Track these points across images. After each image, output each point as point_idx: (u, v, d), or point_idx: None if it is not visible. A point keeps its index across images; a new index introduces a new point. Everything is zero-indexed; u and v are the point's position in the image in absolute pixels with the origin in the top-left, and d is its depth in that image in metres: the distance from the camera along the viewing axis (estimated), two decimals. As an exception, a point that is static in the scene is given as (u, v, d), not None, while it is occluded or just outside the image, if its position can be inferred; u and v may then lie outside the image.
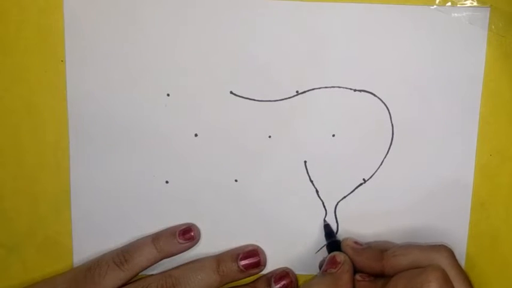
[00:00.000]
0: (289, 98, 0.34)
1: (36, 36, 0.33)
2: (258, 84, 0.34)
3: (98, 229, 0.35)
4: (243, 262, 0.34)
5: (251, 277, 0.35)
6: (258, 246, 0.35)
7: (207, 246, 0.35)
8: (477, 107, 0.35)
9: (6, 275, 0.35)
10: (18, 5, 0.33)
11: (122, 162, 0.35)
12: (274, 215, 0.35)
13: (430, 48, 0.34)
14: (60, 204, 0.35)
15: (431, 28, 0.34)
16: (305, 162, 0.35)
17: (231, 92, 0.34)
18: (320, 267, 0.35)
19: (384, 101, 0.35)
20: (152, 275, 0.34)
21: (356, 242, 0.34)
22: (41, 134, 0.34)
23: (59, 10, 0.33)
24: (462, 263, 0.36)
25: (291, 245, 0.36)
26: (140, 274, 0.34)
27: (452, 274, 0.30)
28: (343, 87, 0.34)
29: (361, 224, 0.36)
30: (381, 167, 0.35)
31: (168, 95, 0.34)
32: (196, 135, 0.35)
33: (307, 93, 0.34)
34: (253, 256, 0.35)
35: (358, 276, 0.32)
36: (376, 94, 0.34)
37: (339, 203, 0.36)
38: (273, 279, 0.34)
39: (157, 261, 0.34)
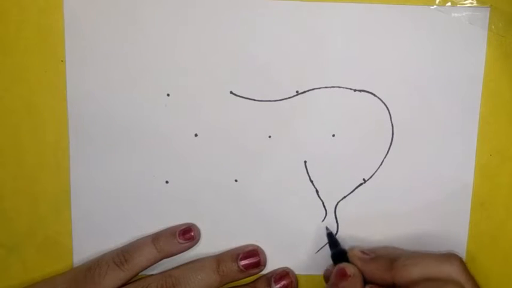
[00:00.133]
0: (289, 98, 0.34)
1: (36, 36, 0.33)
2: (258, 84, 0.34)
3: (98, 229, 0.35)
4: (243, 262, 0.34)
5: (251, 277, 0.35)
6: (258, 246, 0.35)
7: (207, 246, 0.35)
8: (477, 107, 0.35)
9: (6, 275, 0.35)
10: (18, 5, 0.33)
11: (122, 162, 0.35)
12: (274, 215, 0.35)
13: (430, 48, 0.34)
14: (60, 204, 0.35)
15: (431, 28, 0.34)
16: (305, 162, 0.35)
17: (231, 92, 0.34)
18: (325, 278, 0.35)
19: (384, 101, 0.35)
20: (152, 275, 0.34)
21: (363, 252, 0.33)
22: (41, 134, 0.34)
23: (59, 10, 0.33)
24: (462, 263, 0.36)
25: (291, 245, 0.36)
26: (140, 274, 0.34)
27: (469, 287, 0.30)
28: (343, 87, 0.34)
29: (361, 224, 0.36)
30: (380, 167, 0.35)
31: (168, 95, 0.34)
32: (196, 135, 0.35)
33: (307, 93, 0.34)
34: (253, 256, 0.35)
35: None
36: (376, 94, 0.34)
37: (339, 203, 0.36)
38: (273, 279, 0.34)
39: (157, 261, 0.34)
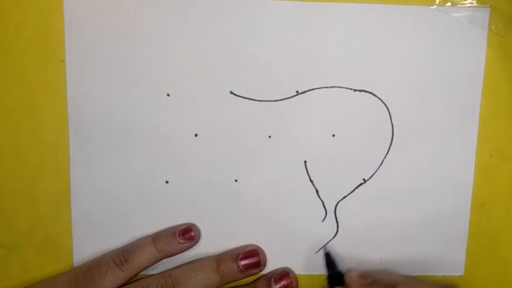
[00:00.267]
0: (289, 98, 0.34)
1: (36, 36, 0.33)
2: (258, 84, 0.34)
3: (98, 229, 0.35)
4: (243, 262, 0.34)
5: (251, 277, 0.35)
6: (258, 246, 0.35)
7: (207, 246, 0.35)
8: (477, 107, 0.35)
9: (6, 275, 0.35)
10: (18, 5, 0.33)
11: (122, 162, 0.35)
12: (274, 215, 0.35)
13: (430, 48, 0.34)
14: (60, 204, 0.35)
15: (431, 28, 0.34)
16: (305, 162, 0.35)
17: (231, 92, 0.34)
18: None
19: (384, 101, 0.35)
20: (152, 275, 0.34)
21: (361, 276, 0.33)
22: (41, 134, 0.34)
23: (59, 10, 0.33)
24: (462, 263, 0.36)
25: (291, 245, 0.36)
26: (140, 274, 0.34)
27: None
28: (343, 87, 0.34)
29: (361, 224, 0.36)
30: (381, 167, 0.35)
31: (168, 95, 0.34)
32: (196, 135, 0.35)
33: (307, 93, 0.34)
34: (253, 256, 0.35)
35: None
36: (376, 94, 0.34)
37: (339, 203, 0.36)
38: (273, 279, 0.34)
39: (157, 261, 0.34)
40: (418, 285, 0.31)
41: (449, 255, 0.36)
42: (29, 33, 0.33)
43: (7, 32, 0.33)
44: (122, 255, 0.33)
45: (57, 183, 0.35)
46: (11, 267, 0.35)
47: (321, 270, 0.35)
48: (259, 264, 0.35)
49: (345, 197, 0.35)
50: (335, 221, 0.36)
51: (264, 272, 0.36)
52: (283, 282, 0.34)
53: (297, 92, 0.34)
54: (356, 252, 0.36)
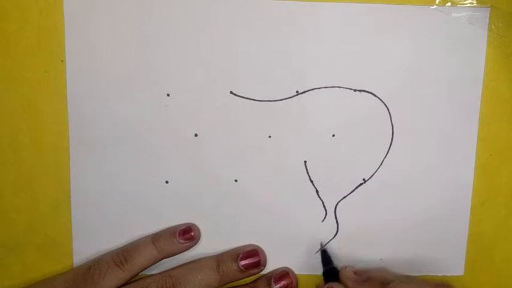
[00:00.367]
0: (289, 98, 0.34)
1: (36, 36, 0.33)
2: (258, 84, 0.34)
3: (97, 229, 0.35)
4: (243, 262, 0.34)
5: (251, 277, 0.35)
6: (258, 246, 0.35)
7: (207, 246, 0.35)
8: (477, 107, 0.35)
9: (6, 275, 0.35)
10: (18, 5, 0.33)
11: (122, 162, 0.35)
12: (274, 215, 0.35)
13: (430, 48, 0.34)
14: (60, 204, 0.35)
15: (431, 28, 0.34)
16: (305, 162, 0.35)
17: (231, 92, 0.34)
18: None
19: (384, 101, 0.35)
20: (152, 275, 0.34)
21: (356, 273, 0.33)
22: (41, 134, 0.34)
23: (59, 10, 0.33)
24: (462, 263, 0.36)
25: (291, 245, 0.36)
26: (140, 274, 0.34)
27: None
28: (343, 87, 0.34)
29: (361, 224, 0.36)
30: (380, 167, 0.35)
31: (168, 95, 0.34)
32: (196, 135, 0.35)
33: (307, 93, 0.34)
34: (253, 256, 0.35)
35: None
36: (376, 94, 0.34)
37: (339, 203, 0.36)
38: (272, 279, 0.34)
39: (157, 261, 0.34)
40: (412, 283, 0.31)
41: (449, 255, 0.36)
42: (29, 33, 0.33)
43: (7, 32, 0.33)
44: (122, 255, 0.33)
45: (57, 183, 0.35)
46: (11, 267, 0.35)
47: (321, 270, 0.35)
48: (259, 264, 0.35)
49: (345, 197, 0.35)
50: (335, 221, 0.36)
51: (264, 272, 0.36)
52: (283, 282, 0.34)
53: (297, 92, 0.34)
54: (356, 252, 0.36)
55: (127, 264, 0.33)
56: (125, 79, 0.34)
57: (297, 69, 0.34)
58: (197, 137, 0.35)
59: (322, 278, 0.35)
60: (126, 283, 0.33)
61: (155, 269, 0.35)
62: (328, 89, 0.34)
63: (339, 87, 0.34)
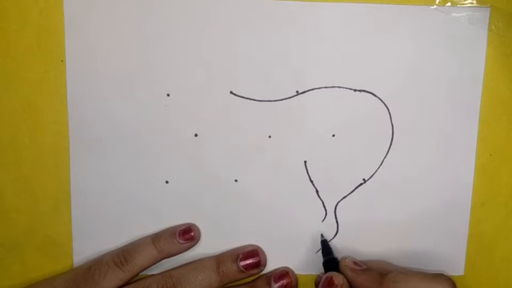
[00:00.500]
0: (289, 98, 0.34)
1: (36, 36, 0.33)
2: (258, 84, 0.34)
3: (98, 229, 0.35)
4: (243, 262, 0.34)
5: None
6: (258, 247, 0.35)
7: (207, 246, 0.35)
8: (477, 107, 0.35)
9: (6, 275, 0.35)
10: (18, 5, 0.33)
11: (122, 162, 0.35)
12: (274, 215, 0.35)
13: (430, 48, 0.34)
14: (60, 204, 0.35)
15: (431, 28, 0.34)
16: (305, 162, 0.35)
17: (231, 92, 0.34)
18: (316, 285, 0.35)
19: (384, 101, 0.35)
20: (152, 275, 0.34)
21: (355, 263, 0.34)
22: (41, 134, 0.34)
23: (59, 10, 0.33)
24: (462, 263, 0.36)
25: (291, 245, 0.36)
26: (140, 274, 0.34)
27: None
28: (343, 87, 0.34)
29: (361, 224, 0.36)
30: (381, 167, 0.35)
31: (168, 95, 0.34)
32: (196, 135, 0.35)
33: (307, 93, 0.34)
34: (253, 256, 0.35)
35: None
36: (376, 94, 0.34)
37: (339, 203, 0.36)
38: (272, 278, 0.34)
39: (158, 262, 0.34)
40: (409, 274, 0.31)
41: (449, 255, 0.36)
42: (29, 33, 0.33)
43: (7, 32, 0.33)
44: (122, 255, 0.33)
45: (57, 183, 0.35)
46: (11, 267, 0.35)
47: (321, 270, 0.35)
48: (259, 264, 0.35)
49: (345, 197, 0.35)
50: (335, 221, 0.36)
51: (264, 272, 0.35)
52: (282, 282, 0.34)
53: (297, 92, 0.34)
54: (356, 252, 0.36)
55: (127, 264, 0.33)
56: (125, 79, 0.34)
57: (297, 69, 0.34)
58: (197, 137, 0.35)
59: (323, 267, 0.35)
60: (126, 283, 0.33)
61: (155, 269, 0.35)
62: (328, 89, 0.34)
63: (339, 87, 0.34)
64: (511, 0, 0.33)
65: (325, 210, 0.36)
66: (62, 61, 0.33)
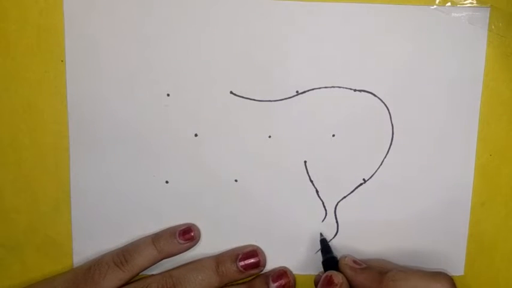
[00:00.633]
0: (289, 98, 0.34)
1: (36, 36, 0.33)
2: (258, 84, 0.34)
3: (98, 229, 0.35)
4: (243, 263, 0.34)
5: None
6: (257, 247, 0.35)
7: (207, 246, 0.35)
8: (477, 107, 0.35)
9: (6, 275, 0.35)
10: (18, 5, 0.33)
11: (122, 162, 0.35)
12: (274, 215, 0.35)
13: (430, 48, 0.34)
14: (60, 204, 0.35)
15: (431, 28, 0.34)
16: (305, 162, 0.35)
17: (231, 92, 0.34)
18: (315, 283, 0.35)
19: (384, 101, 0.35)
20: (152, 275, 0.34)
21: (355, 261, 0.33)
22: (41, 134, 0.34)
23: (59, 10, 0.33)
24: (462, 263, 0.36)
25: (291, 245, 0.36)
26: (140, 274, 0.34)
27: None
28: (343, 87, 0.34)
29: (361, 224, 0.36)
30: (381, 167, 0.35)
31: (168, 95, 0.34)
32: (196, 135, 0.35)
33: (307, 93, 0.34)
34: (253, 257, 0.35)
35: None
36: (376, 94, 0.34)
37: (339, 203, 0.36)
38: (270, 278, 0.34)
39: (158, 262, 0.34)
40: (409, 273, 0.31)
41: (449, 255, 0.36)
42: (29, 33, 0.33)
43: (7, 32, 0.33)
44: (122, 255, 0.33)
45: (57, 183, 0.35)
46: (11, 267, 0.35)
47: (321, 269, 0.35)
48: (259, 264, 0.35)
49: (345, 197, 0.35)
50: (335, 221, 0.36)
51: (264, 271, 0.35)
52: (280, 282, 0.34)
53: (297, 92, 0.34)
54: (356, 252, 0.36)
55: (127, 264, 0.33)
56: (125, 79, 0.34)
57: (297, 69, 0.34)
58: (197, 137, 0.35)
59: (322, 266, 0.35)
60: (127, 283, 0.33)
61: (155, 269, 0.35)
62: (328, 89, 0.34)
63: (339, 87, 0.34)
64: (511, 0, 0.33)
65: (325, 210, 0.36)
66: (62, 61, 0.33)
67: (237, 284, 0.35)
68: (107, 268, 0.33)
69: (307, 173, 0.35)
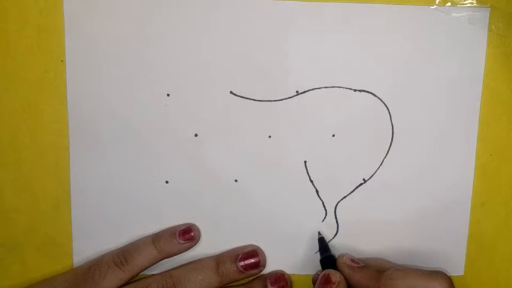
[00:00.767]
0: (289, 98, 0.34)
1: (36, 36, 0.33)
2: (258, 84, 0.34)
3: (98, 229, 0.35)
4: (243, 263, 0.34)
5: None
6: (257, 247, 0.35)
7: (207, 246, 0.35)
8: (477, 107, 0.35)
9: (6, 275, 0.35)
10: (18, 5, 0.33)
11: (122, 162, 0.35)
12: (274, 215, 0.35)
13: (430, 48, 0.34)
14: (60, 203, 0.35)
15: (431, 28, 0.34)
16: (305, 162, 0.35)
17: (231, 92, 0.34)
18: (313, 282, 0.35)
19: (384, 101, 0.35)
20: (153, 275, 0.34)
21: (353, 260, 0.33)
22: (41, 134, 0.34)
23: (59, 10, 0.33)
24: (462, 263, 0.36)
25: (291, 245, 0.36)
26: (141, 274, 0.34)
27: None
28: (343, 87, 0.34)
29: (361, 224, 0.36)
30: (381, 167, 0.35)
31: (168, 95, 0.34)
32: (196, 135, 0.35)
33: (307, 93, 0.34)
34: (253, 257, 0.35)
35: None
36: (376, 94, 0.34)
37: (339, 203, 0.36)
38: (268, 281, 0.34)
39: (158, 262, 0.34)
40: (407, 271, 0.31)
41: (449, 255, 0.36)
42: (29, 33, 0.33)
43: (7, 32, 0.33)
44: (122, 255, 0.33)
45: (57, 183, 0.35)
46: (11, 267, 0.35)
47: (320, 269, 0.35)
48: (259, 265, 0.35)
49: (345, 197, 0.35)
50: (335, 221, 0.36)
51: (264, 272, 0.35)
52: (278, 284, 0.34)
53: (297, 92, 0.34)
54: (356, 252, 0.36)
55: (127, 264, 0.33)
56: (125, 79, 0.34)
57: (297, 69, 0.34)
58: (197, 137, 0.35)
59: (320, 264, 0.35)
60: (127, 283, 0.33)
61: (156, 269, 0.35)
62: (328, 89, 0.34)
63: (339, 87, 0.34)
64: (511, 0, 0.33)
65: (325, 210, 0.36)
66: (62, 61, 0.33)
67: (237, 285, 0.35)
68: (107, 268, 0.33)
69: (307, 173, 0.35)
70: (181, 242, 0.34)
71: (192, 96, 0.34)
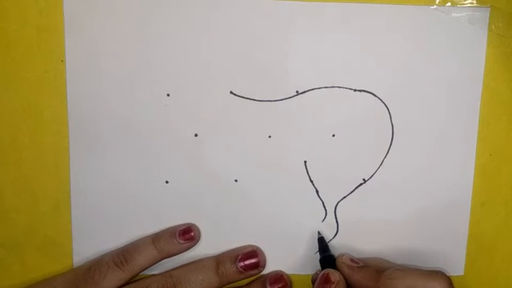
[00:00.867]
0: (289, 98, 0.34)
1: (36, 36, 0.33)
2: (258, 84, 0.34)
3: (98, 229, 0.35)
4: (243, 263, 0.34)
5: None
6: (257, 247, 0.35)
7: (207, 246, 0.35)
8: (477, 107, 0.35)
9: (6, 275, 0.35)
10: (18, 5, 0.33)
11: (122, 163, 0.35)
12: (274, 215, 0.35)
13: (430, 48, 0.34)
14: (60, 204, 0.35)
15: (431, 28, 0.34)
16: (305, 162, 0.35)
17: (231, 92, 0.34)
18: (313, 282, 0.35)
19: (384, 101, 0.35)
20: (153, 275, 0.34)
21: (352, 260, 0.33)
22: (41, 134, 0.34)
23: (59, 10, 0.33)
24: (462, 263, 0.36)
25: (291, 245, 0.36)
26: (141, 274, 0.34)
27: None
28: (343, 87, 0.34)
29: (361, 224, 0.36)
30: (381, 167, 0.35)
31: (168, 95, 0.34)
32: (196, 135, 0.35)
33: (307, 93, 0.34)
34: (253, 257, 0.35)
35: None
36: (376, 94, 0.34)
37: (339, 203, 0.36)
38: (268, 282, 0.34)
39: (158, 262, 0.34)
40: (406, 271, 0.31)
41: (449, 255, 0.36)
42: (29, 33, 0.33)
43: (7, 32, 0.33)
44: (122, 255, 0.33)
45: (57, 183, 0.35)
46: (11, 267, 0.35)
47: (319, 268, 0.35)
48: (259, 265, 0.35)
49: (345, 197, 0.35)
50: (335, 221, 0.36)
51: (264, 272, 0.35)
52: (278, 285, 0.34)
53: (297, 92, 0.34)
54: (356, 252, 0.36)
55: (127, 264, 0.33)
56: (125, 79, 0.34)
57: (297, 69, 0.34)
58: (197, 137, 0.35)
59: (319, 264, 0.35)
60: (127, 283, 0.33)
61: (156, 269, 0.35)
62: (328, 89, 0.34)
63: (339, 87, 0.34)
64: (511, 0, 0.33)
65: (325, 210, 0.36)
66: (62, 61, 0.33)
67: (236, 286, 0.35)
68: (107, 268, 0.33)
69: (307, 173, 0.35)
70: (181, 242, 0.34)
71: (192, 96, 0.34)
